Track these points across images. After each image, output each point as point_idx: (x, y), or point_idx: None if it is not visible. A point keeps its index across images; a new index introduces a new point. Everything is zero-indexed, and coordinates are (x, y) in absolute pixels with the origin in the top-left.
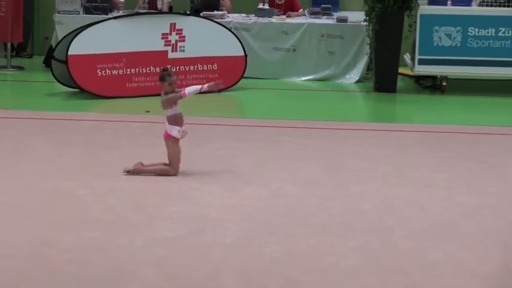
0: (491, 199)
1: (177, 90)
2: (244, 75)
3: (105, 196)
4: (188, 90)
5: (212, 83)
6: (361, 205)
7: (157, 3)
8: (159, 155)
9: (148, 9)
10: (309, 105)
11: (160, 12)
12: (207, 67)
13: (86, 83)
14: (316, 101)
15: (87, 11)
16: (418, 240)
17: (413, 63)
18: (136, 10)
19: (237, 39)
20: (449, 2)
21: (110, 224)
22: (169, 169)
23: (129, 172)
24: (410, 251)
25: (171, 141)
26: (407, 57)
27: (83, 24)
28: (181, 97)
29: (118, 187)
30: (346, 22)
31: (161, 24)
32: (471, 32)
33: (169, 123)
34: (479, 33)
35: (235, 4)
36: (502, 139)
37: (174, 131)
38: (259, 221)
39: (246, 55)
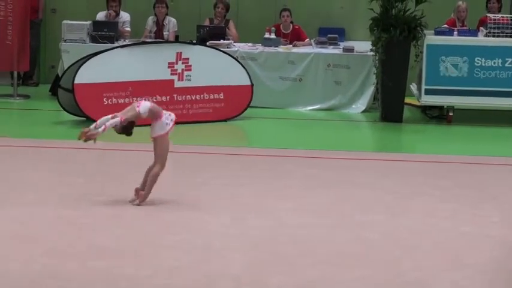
0: (495, 229)
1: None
2: (250, 105)
3: (109, 225)
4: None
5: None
6: (366, 235)
7: (164, 32)
8: (165, 183)
9: (155, 38)
10: (315, 134)
11: (167, 41)
12: (214, 96)
13: (92, 112)
14: (322, 130)
15: (94, 39)
16: (424, 271)
17: (420, 93)
18: (142, 39)
19: (243, 69)
20: (455, 33)
21: (115, 252)
22: (156, 170)
23: (136, 202)
24: (416, 281)
25: (160, 139)
26: (413, 87)
27: (89, 53)
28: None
29: (122, 215)
30: (353, 52)
31: (167, 53)
32: (477, 63)
33: (153, 121)
34: (486, 64)
35: (242, 33)
36: (508, 170)
37: (162, 129)
38: (265, 250)
39: (252, 84)
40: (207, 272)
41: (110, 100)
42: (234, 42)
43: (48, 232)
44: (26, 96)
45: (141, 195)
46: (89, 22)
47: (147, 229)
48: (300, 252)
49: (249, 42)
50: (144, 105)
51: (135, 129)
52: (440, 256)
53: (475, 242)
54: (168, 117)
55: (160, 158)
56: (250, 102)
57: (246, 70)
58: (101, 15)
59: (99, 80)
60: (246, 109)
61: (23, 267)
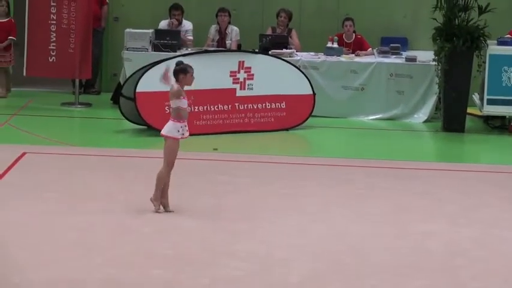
0: None
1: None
2: (312, 114)
3: (170, 233)
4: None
5: None
6: (427, 245)
7: (226, 41)
8: (225, 192)
9: (217, 47)
10: (377, 144)
11: (229, 50)
12: (275, 105)
13: (154, 120)
14: (384, 140)
15: (156, 48)
16: (486, 282)
17: (482, 103)
18: (205, 48)
19: (305, 78)
20: None
21: (175, 261)
22: (163, 171)
23: (160, 210)
24: None
25: (171, 140)
26: (476, 97)
27: (152, 62)
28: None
29: (183, 224)
30: (415, 61)
31: (230, 62)
32: None
33: (172, 118)
34: None
35: (304, 43)
36: None
37: (175, 131)
38: (326, 260)
39: (314, 93)
40: (266, 281)
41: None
42: (297, 51)
43: (109, 240)
44: (88, 105)
45: (162, 201)
46: (151, 30)
47: (208, 238)
48: (360, 262)
49: (311, 52)
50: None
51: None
52: (503, 268)
53: None
54: (184, 127)
55: (167, 161)
56: (312, 111)
57: (308, 79)
58: (163, 24)
59: (161, 88)
60: (308, 118)
61: (86, 275)
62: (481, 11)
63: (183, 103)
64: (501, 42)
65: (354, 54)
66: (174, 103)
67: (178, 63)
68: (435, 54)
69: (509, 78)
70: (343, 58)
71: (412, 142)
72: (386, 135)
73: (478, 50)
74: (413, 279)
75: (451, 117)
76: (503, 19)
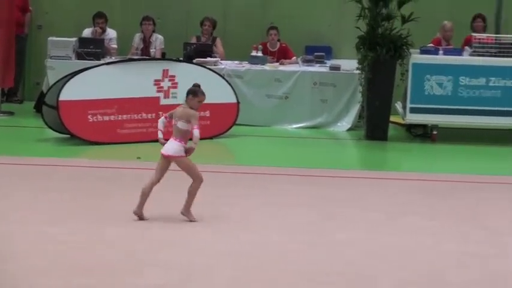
0: (479, 247)
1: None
2: (236, 122)
3: (93, 243)
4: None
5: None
6: (348, 252)
7: (150, 49)
8: (148, 200)
9: (141, 55)
10: (300, 152)
11: (153, 59)
12: (199, 114)
13: (77, 129)
14: (308, 148)
15: (80, 56)
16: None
17: (405, 112)
18: (129, 56)
19: (229, 86)
20: (440, 52)
21: (99, 271)
22: (195, 186)
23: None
24: None
25: (181, 159)
26: (398, 105)
27: (75, 70)
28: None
29: (107, 233)
30: (339, 70)
31: (154, 70)
32: (462, 82)
33: (177, 139)
34: (470, 83)
35: (228, 51)
36: (490, 187)
37: (181, 151)
38: (247, 267)
39: (238, 102)
40: None
41: (94, 117)
42: (221, 59)
43: (29, 249)
44: (10, 113)
45: (188, 213)
46: (74, 39)
47: (132, 248)
48: (280, 270)
49: (235, 60)
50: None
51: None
52: (423, 275)
53: (458, 260)
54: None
55: (193, 175)
56: (236, 120)
57: (232, 88)
58: (87, 32)
59: (84, 97)
60: (232, 127)
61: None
62: (404, 20)
63: (195, 129)
64: (424, 51)
65: (278, 63)
66: (184, 126)
67: (195, 85)
68: (359, 63)
69: (431, 86)
70: (267, 67)
71: (335, 150)
72: (310, 143)
73: (401, 59)
74: (329, 287)
75: (374, 125)
76: (426, 28)
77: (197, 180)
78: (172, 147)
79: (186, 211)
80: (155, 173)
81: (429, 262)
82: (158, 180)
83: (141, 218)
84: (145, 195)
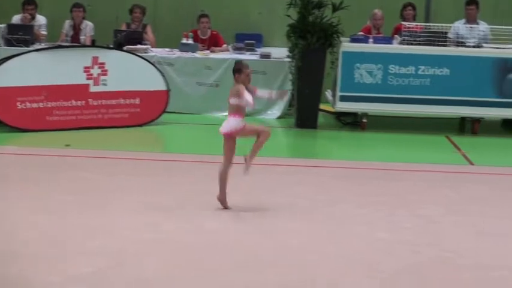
0: (409, 235)
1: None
2: (166, 110)
3: (20, 230)
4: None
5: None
6: (281, 240)
7: (80, 36)
8: (78, 188)
9: (71, 42)
10: None
11: (83, 46)
12: (129, 101)
13: (5, 116)
14: None
15: (8, 43)
16: (338, 277)
17: (335, 100)
18: (58, 43)
19: (160, 74)
20: (370, 40)
21: (26, 258)
22: (262, 139)
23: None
24: (328, 286)
25: (241, 130)
26: (328, 93)
27: (4, 57)
28: (252, 92)
29: (35, 221)
30: (269, 58)
31: (83, 57)
32: (392, 70)
33: (231, 114)
34: (400, 71)
35: (159, 38)
36: (420, 175)
37: (235, 123)
38: (180, 255)
39: (168, 90)
40: (120, 277)
41: (23, 104)
42: (152, 47)
43: None
44: None
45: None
46: (3, 25)
47: (60, 235)
48: (215, 258)
49: (166, 48)
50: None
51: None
52: (355, 262)
53: (389, 248)
54: (243, 121)
55: (227, 157)
56: (166, 107)
57: (163, 75)
58: (16, 18)
59: (13, 83)
60: (161, 114)
61: None
62: (335, 8)
63: (243, 101)
64: (354, 40)
65: (208, 51)
66: (234, 101)
67: (237, 62)
68: (289, 51)
69: (361, 75)
70: (198, 54)
71: None
72: None
73: (332, 47)
74: (268, 275)
75: (304, 113)
76: (357, 16)
77: (264, 134)
78: (229, 123)
79: (249, 160)
80: (225, 155)
81: (361, 250)
82: (230, 161)
83: (224, 204)
84: (223, 180)
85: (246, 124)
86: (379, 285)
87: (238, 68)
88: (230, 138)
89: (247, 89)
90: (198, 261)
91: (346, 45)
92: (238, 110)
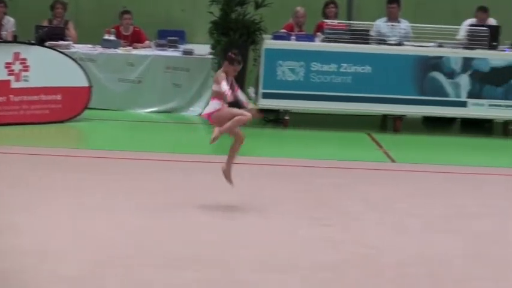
0: (330, 232)
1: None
2: (88, 106)
3: None
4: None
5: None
6: (204, 237)
7: (2, 32)
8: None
9: None
10: (152, 137)
11: (4, 41)
12: (51, 97)
13: None
14: (160, 133)
15: None
16: (256, 272)
17: (257, 97)
18: None
19: (81, 70)
20: (293, 38)
21: None
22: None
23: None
24: (247, 282)
25: (218, 116)
26: (251, 90)
27: None
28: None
29: None
30: (192, 55)
31: (5, 53)
32: (314, 67)
33: (212, 98)
34: (322, 69)
35: (81, 35)
36: (342, 173)
37: (213, 106)
38: (103, 253)
39: (91, 86)
40: (40, 274)
41: None
42: (73, 43)
43: None
44: None
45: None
46: None
47: None
48: (138, 254)
49: (88, 44)
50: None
51: None
52: (278, 258)
53: (312, 245)
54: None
55: (234, 125)
56: (88, 103)
57: (85, 71)
58: None
59: None
60: (83, 111)
61: None
62: (257, 5)
63: (221, 88)
64: (276, 37)
65: (131, 47)
66: (213, 86)
67: (233, 52)
68: (212, 48)
69: (284, 72)
70: (120, 50)
71: (188, 135)
72: (162, 128)
73: (254, 44)
74: (185, 271)
75: None
76: (280, 14)
77: (238, 140)
78: (208, 107)
79: (227, 171)
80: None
81: (282, 246)
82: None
83: (227, 178)
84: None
85: (223, 107)
86: (299, 281)
87: (230, 59)
88: (213, 123)
89: (232, 84)
90: (121, 259)
91: (269, 43)
92: (217, 95)
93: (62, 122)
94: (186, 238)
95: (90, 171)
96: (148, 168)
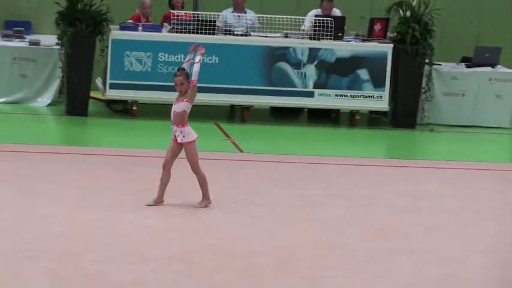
0: (179, 223)
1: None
2: None
3: None
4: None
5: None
6: (51, 229)
7: None
8: None
9: None
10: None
11: None
12: None
13: None
14: (7, 124)
15: None
16: (107, 264)
17: (105, 88)
18: None
19: None
20: (140, 28)
21: None
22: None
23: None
24: (98, 274)
25: (193, 145)
26: (99, 81)
27: None
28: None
29: None
30: (39, 45)
31: None
32: (161, 58)
33: (184, 125)
34: (169, 59)
35: None
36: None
37: (192, 135)
38: None
39: None
40: None
41: None
42: None
43: None
44: None
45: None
46: None
47: None
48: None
49: None
50: None
51: None
52: (124, 249)
53: (159, 236)
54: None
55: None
56: None
57: None
58: None
59: None
60: None
61: None
62: None
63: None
64: (123, 28)
65: None
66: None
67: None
68: (58, 39)
69: (131, 63)
70: None
71: (35, 126)
72: (10, 119)
73: (101, 35)
74: (38, 263)
75: (75, 101)
76: (126, 5)
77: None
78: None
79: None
80: None
81: (130, 237)
82: None
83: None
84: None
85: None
86: (151, 272)
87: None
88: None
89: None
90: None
91: (116, 33)
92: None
93: None
94: (29, 229)
95: None
96: (7, 158)
